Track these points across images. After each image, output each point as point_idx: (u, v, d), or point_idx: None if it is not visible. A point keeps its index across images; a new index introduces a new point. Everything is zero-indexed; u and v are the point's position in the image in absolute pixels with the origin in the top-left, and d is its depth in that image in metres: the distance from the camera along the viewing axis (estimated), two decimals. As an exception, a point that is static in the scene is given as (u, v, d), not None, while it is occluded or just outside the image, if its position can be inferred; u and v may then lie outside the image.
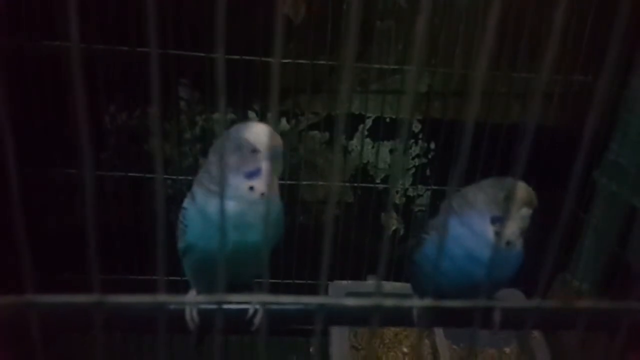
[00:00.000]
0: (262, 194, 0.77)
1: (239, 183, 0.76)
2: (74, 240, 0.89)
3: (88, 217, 0.37)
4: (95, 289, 0.39)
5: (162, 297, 0.39)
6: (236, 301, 0.41)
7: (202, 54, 1.37)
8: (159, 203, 0.38)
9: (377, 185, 1.65)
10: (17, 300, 0.38)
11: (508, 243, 0.78)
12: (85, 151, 0.35)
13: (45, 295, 0.39)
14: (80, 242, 0.40)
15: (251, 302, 0.78)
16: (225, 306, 0.78)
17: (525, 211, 0.79)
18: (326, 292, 1.55)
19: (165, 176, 1.55)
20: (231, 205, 0.75)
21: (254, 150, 0.77)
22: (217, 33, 0.35)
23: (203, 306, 0.81)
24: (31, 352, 0.41)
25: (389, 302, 0.40)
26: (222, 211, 0.40)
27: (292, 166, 1.57)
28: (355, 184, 1.64)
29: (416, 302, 0.41)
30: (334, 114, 1.57)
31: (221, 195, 0.39)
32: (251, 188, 0.76)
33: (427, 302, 0.40)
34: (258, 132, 0.78)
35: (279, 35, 0.35)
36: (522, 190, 0.79)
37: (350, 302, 0.40)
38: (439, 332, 1.47)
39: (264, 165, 0.77)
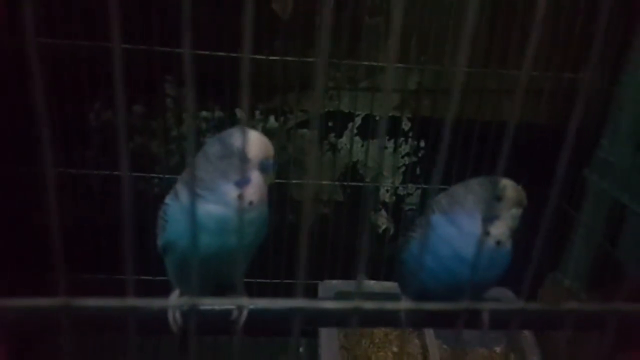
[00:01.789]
0: (250, 203, 0.76)
1: (228, 190, 0.76)
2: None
3: (52, 218, 0.35)
4: (61, 292, 0.37)
5: (130, 301, 0.38)
6: (211, 305, 0.39)
7: (185, 50, 1.34)
8: (126, 203, 0.37)
9: (366, 184, 1.63)
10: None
11: (498, 243, 0.77)
12: (45, 149, 0.33)
13: (11, 299, 0.37)
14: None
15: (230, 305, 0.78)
16: (208, 307, 0.77)
17: (515, 211, 0.78)
18: (315, 292, 1.54)
19: (152, 174, 1.53)
20: (217, 210, 0.75)
21: (245, 159, 0.76)
22: (184, 29, 0.33)
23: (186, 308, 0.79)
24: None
25: (368, 305, 0.38)
26: (192, 216, 0.38)
27: (281, 165, 1.55)
28: (345, 183, 1.62)
29: (398, 305, 0.40)
30: (323, 112, 1.55)
31: (192, 204, 0.37)
32: (240, 196, 0.76)
33: (410, 304, 0.38)
34: (251, 141, 0.77)
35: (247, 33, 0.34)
36: (512, 189, 0.78)
37: (329, 304, 0.39)
38: (429, 332, 1.46)
39: (254, 175, 0.77)
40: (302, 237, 0.37)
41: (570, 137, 0.37)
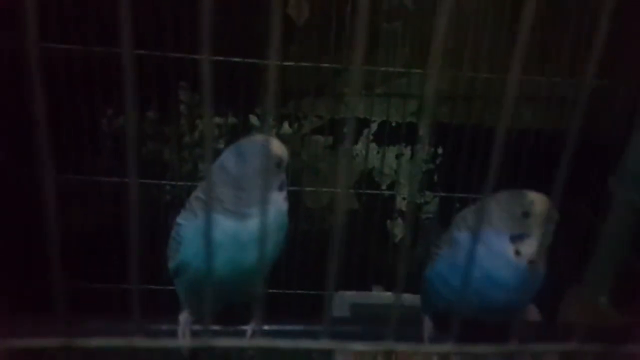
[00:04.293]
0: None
1: (277, 197, 0.77)
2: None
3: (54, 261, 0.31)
4: (62, 331, 0.34)
5: (138, 341, 0.34)
6: (225, 345, 0.35)
7: (202, 56, 1.31)
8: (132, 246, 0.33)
9: (382, 192, 1.59)
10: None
11: (531, 262, 0.72)
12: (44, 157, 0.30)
13: (8, 339, 0.34)
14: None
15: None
16: (220, 328, 0.73)
17: (547, 227, 0.73)
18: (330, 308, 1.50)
19: (164, 181, 1.50)
20: (251, 224, 0.72)
21: (279, 164, 0.77)
22: (203, 34, 0.29)
23: (196, 328, 0.76)
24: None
25: (402, 347, 0.34)
26: (207, 235, 0.34)
27: (294, 172, 1.51)
28: (360, 191, 1.58)
29: (435, 348, 0.35)
30: (337, 117, 1.51)
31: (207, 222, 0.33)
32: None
33: (448, 347, 0.34)
34: (278, 145, 0.78)
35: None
36: (543, 204, 0.73)
37: (359, 347, 0.35)
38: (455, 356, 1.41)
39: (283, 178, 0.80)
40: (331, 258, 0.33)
41: (570, 143, 0.33)
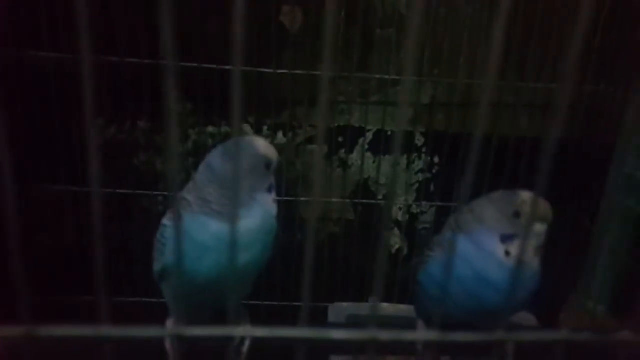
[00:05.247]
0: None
1: (266, 199, 0.76)
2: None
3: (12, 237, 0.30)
4: (25, 319, 0.32)
5: (105, 330, 0.32)
6: (203, 335, 0.33)
7: (195, 65, 1.31)
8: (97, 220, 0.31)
9: (378, 202, 1.57)
10: None
11: (522, 263, 0.70)
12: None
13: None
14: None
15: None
16: (212, 334, 0.71)
17: (540, 227, 0.71)
18: (325, 316, 1.47)
19: (156, 192, 1.48)
20: (251, 223, 0.73)
21: (268, 165, 0.77)
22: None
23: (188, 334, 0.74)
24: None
25: (385, 335, 0.32)
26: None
27: (289, 181, 1.50)
28: (356, 200, 1.56)
29: (419, 335, 0.34)
30: (333, 127, 1.50)
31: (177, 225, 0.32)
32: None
33: (433, 334, 0.32)
34: (266, 146, 0.78)
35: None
36: (532, 204, 0.71)
37: (339, 334, 0.33)
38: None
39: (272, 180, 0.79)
40: (307, 257, 0.31)
41: (549, 147, 0.32)
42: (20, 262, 0.31)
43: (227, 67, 1.31)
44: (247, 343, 0.72)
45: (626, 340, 0.33)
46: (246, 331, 0.35)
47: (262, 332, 0.34)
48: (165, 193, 1.48)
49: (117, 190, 1.40)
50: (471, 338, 0.33)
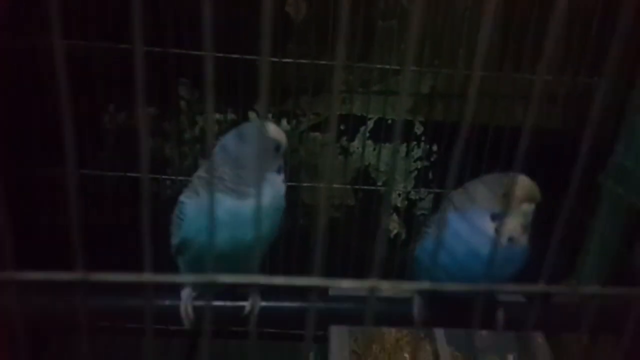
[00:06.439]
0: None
1: (275, 179, 0.81)
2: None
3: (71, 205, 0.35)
4: (79, 267, 0.37)
5: (147, 276, 0.37)
6: (229, 282, 0.39)
7: (203, 53, 1.35)
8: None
9: (378, 188, 1.63)
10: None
11: (510, 239, 0.76)
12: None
13: (26, 272, 0.37)
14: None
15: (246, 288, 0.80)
16: (221, 303, 0.77)
17: (527, 206, 0.77)
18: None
19: (165, 176, 1.54)
20: (250, 202, 0.75)
21: (278, 147, 0.82)
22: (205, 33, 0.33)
23: (198, 303, 0.79)
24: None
25: (385, 284, 0.38)
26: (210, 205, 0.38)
27: (292, 168, 1.55)
28: (357, 187, 1.62)
29: (416, 285, 0.39)
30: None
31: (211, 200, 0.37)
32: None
33: (427, 284, 0.38)
34: (276, 130, 0.83)
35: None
36: (523, 184, 0.77)
37: (346, 283, 0.38)
38: (440, 338, 1.44)
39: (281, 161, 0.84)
40: (321, 217, 0.36)
41: (585, 145, 0.37)
42: (78, 213, 0.36)
43: (234, 56, 1.35)
44: (257, 306, 0.78)
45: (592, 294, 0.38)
46: (264, 280, 0.40)
47: (278, 280, 0.39)
48: (173, 177, 1.53)
49: (127, 174, 1.45)
50: (460, 288, 0.38)
